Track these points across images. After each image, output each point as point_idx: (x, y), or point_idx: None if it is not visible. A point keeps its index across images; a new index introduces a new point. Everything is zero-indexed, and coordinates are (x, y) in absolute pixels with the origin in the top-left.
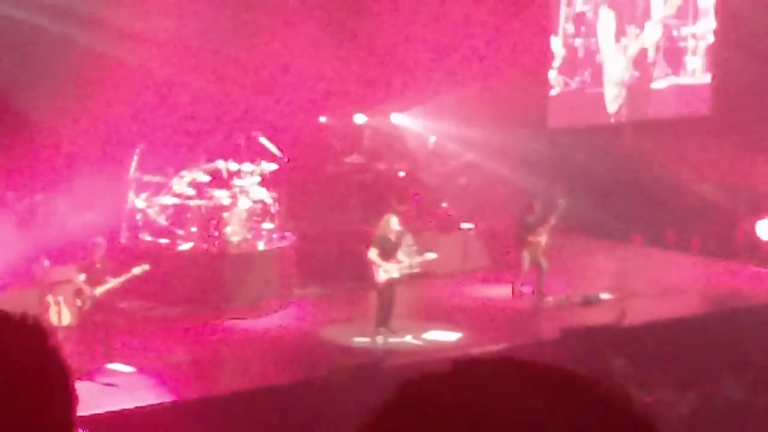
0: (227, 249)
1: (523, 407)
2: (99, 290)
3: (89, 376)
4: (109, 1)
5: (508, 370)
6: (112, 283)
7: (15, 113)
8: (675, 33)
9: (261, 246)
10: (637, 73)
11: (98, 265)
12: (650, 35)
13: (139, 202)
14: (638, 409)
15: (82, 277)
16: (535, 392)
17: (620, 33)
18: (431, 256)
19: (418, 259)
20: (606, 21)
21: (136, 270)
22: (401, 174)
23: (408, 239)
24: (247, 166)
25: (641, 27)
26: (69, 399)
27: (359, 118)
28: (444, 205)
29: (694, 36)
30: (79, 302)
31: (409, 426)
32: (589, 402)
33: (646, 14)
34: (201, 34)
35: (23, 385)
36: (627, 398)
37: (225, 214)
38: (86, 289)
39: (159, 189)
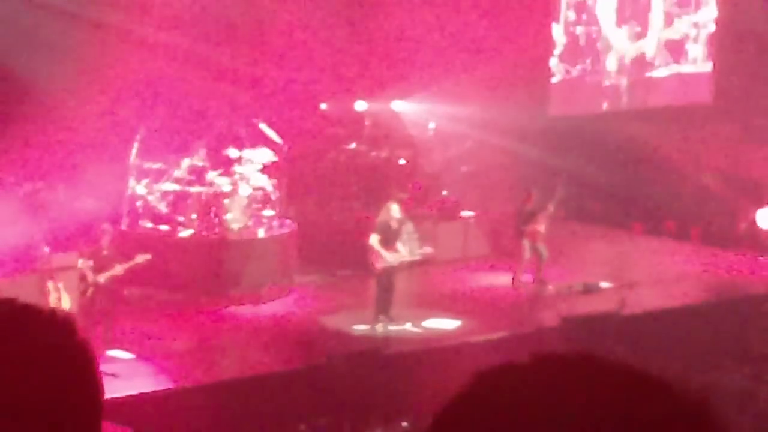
0: (228, 236)
1: (598, 406)
2: (103, 277)
3: None
4: None
5: (586, 367)
6: (116, 270)
7: (16, 100)
8: (676, 21)
9: (261, 233)
10: (639, 61)
11: (105, 252)
12: (652, 23)
13: (140, 188)
14: (713, 418)
15: (88, 263)
16: (611, 392)
17: (622, 20)
18: (428, 250)
19: (416, 252)
20: (607, 8)
21: (139, 259)
22: (402, 161)
23: (409, 227)
24: (247, 153)
25: (644, 14)
26: (97, 392)
27: (360, 106)
28: (445, 192)
29: (695, 24)
30: (82, 288)
31: (482, 417)
32: (665, 408)
33: (648, 2)
34: (203, 21)
35: (52, 380)
36: (704, 408)
37: (225, 201)
38: (90, 275)
39: (159, 176)
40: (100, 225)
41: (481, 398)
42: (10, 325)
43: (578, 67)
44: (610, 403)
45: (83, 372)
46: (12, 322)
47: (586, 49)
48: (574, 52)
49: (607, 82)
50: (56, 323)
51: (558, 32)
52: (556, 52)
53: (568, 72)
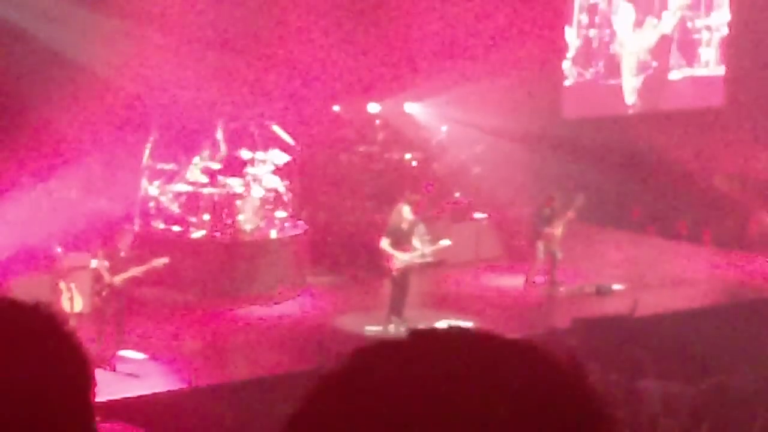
0: (240, 237)
1: (474, 378)
2: (118, 278)
3: (101, 363)
4: None
5: (464, 340)
6: (132, 271)
7: (28, 100)
8: (689, 24)
9: (274, 234)
10: (653, 65)
11: (122, 254)
12: (666, 26)
13: (152, 189)
14: (592, 386)
15: (104, 263)
16: (489, 363)
17: (637, 23)
18: (446, 243)
19: (432, 247)
20: (623, 11)
21: (156, 262)
22: (414, 163)
23: (421, 229)
24: (260, 155)
25: (658, 17)
26: (86, 384)
27: (373, 108)
28: (457, 194)
29: (708, 28)
30: (97, 288)
31: (357, 393)
32: (542, 375)
33: (663, 5)
34: (216, 22)
35: (38, 373)
36: (582, 374)
37: (238, 202)
38: (106, 276)
39: (172, 177)
40: (120, 226)
41: (354, 375)
42: None
43: (591, 70)
44: (482, 374)
45: (69, 362)
46: None
47: (599, 52)
48: (587, 55)
49: (619, 85)
50: (41, 317)
51: (571, 35)
52: (569, 55)
53: (581, 75)
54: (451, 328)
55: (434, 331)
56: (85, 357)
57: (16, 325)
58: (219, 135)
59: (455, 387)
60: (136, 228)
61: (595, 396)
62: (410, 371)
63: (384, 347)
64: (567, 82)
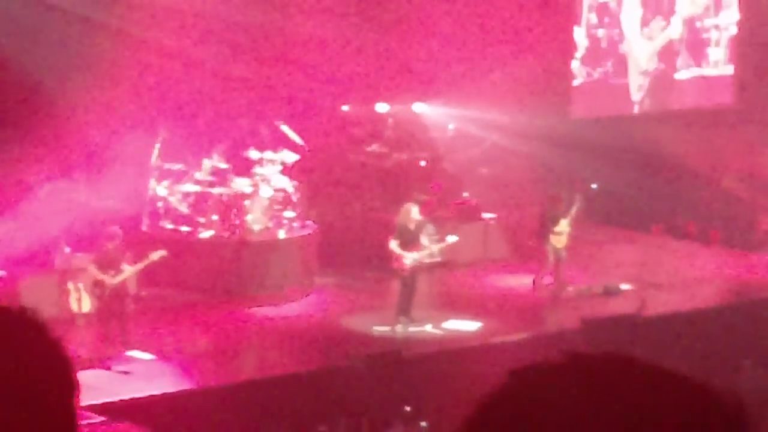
0: (248, 237)
1: (631, 406)
2: (118, 278)
3: (109, 363)
4: None
5: (617, 366)
6: (131, 270)
7: (37, 100)
8: (698, 24)
9: (282, 234)
10: (662, 64)
11: (113, 254)
12: (675, 26)
13: (161, 189)
14: (745, 416)
15: (95, 266)
16: (643, 391)
17: (645, 23)
18: (453, 238)
19: (440, 244)
20: (631, 11)
21: (154, 256)
22: (422, 163)
23: (429, 228)
24: (268, 155)
25: (667, 18)
26: (69, 390)
27: (381, 107)
28: (465, 194)
29: (717, 27)
30: (99, 290)
31: (515, 416)
32: (702, 411)
33: (672, 5)
34: (225, 22)
35: (21, 377)
36: (741, 413)
37: (246, 202)
38: (106, 277)
39: (180, 177)
40: (110, 227)
41: (514, 397)
42: None
43: (600, 69)
44: (642, 402)
45: (53, 369)
46: None
47: (608, 51)
48: (595, 54)
49: (628, 85)
50: (25, 322)
51: (580, 35)
52: (578, 54)
53: (589, 75)
54: (605, 353)
55: (588, 355)
56: (69, 362)
57: (1, 330)
58: (227, 135)
59: (613, 415)
60: (145, 228)
61: None
62: (568, 396)
63: (539, 370)
64: (576, 82)
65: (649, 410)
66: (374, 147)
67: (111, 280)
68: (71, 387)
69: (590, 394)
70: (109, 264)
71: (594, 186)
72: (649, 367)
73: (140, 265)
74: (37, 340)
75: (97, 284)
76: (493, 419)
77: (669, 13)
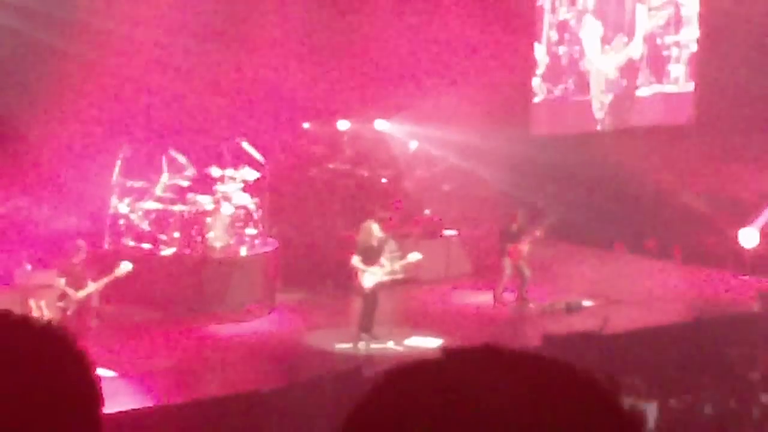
0: (210, 254)
1: (509, 396)
2: (81, 293)
3: None
4: (95, 7)
5: (494, 358)
6: (95, 285)
7: None
8: (659, 41)
9: (243, 251)
10: (623, 81)
11: (79, 268)
12: (636, 43)
13: (122, 207)
14: (621, 403)
15: (64, 280)
16: (521, 381)
17: (606, 40)
18: (416, 256)
19: (403, 261)
20: (592, 28)
21: (119, 271)
22: (384, 180)
23: (391, 245)
24: (230, 172)
25: (628, 35)
26: (95, 402)
27: (342, 124)
28: (427, 211)
29: (677, 44)
30: (62, 305)
31: (394, 412)
32: (577, 393)
33: (632, 22)
34: (185, 41)
35: (48, 390)
36: (615, 391)
37: (208, 220)
38: (69, 292)
39: (142, 194)
40: (75, 242)
41: (392, 395)
42: (7, 336)
43: (561, 86)
44: (517, 393)
45: (80, 382)
46: (8, 334)
47: (569, 68)
48: (556, 71)
49: (589, 102)
50: (52, 335)
51: (540, 52)
52: (539, 71)
53: (550, 92)
54: (483, 347)
55: (466, 350)
56: (95, 375)
57: (28, 343)
58: (188, 152)
59: (488, 406)
60: (107, 245)
61: (632, 417)
62: (443, 391)
63: (416, 368)
64: (536, 99)
65: (525, 399)
66: (335, 164)
67: (75, 294)
68: (96, 399)
69: (466, 388)
70: (74, 278)
71: (550, 216)
72: (523, 356)
73: (106, 280)
74: (64, 353)
75: (62, 297)
76: (366, 421)
77: (630, 30)
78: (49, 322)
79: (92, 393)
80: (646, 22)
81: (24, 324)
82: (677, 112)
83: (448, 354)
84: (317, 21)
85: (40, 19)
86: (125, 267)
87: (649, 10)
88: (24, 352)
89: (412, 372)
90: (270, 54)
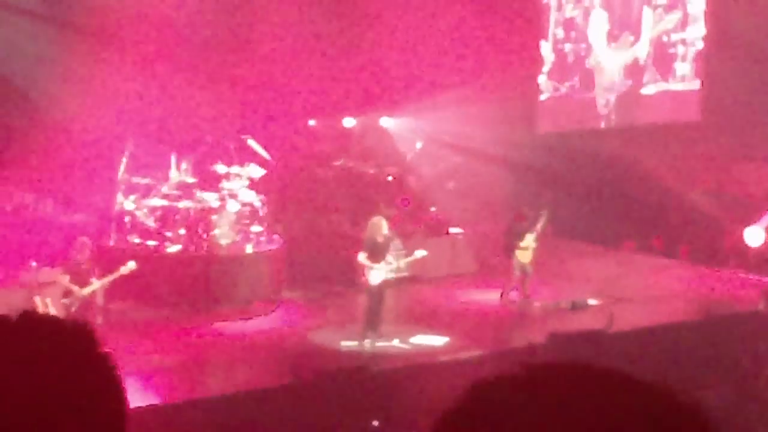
0: (215, 251)
1: (594, 414)
2: (86, 291)
3: None
4: (101, 4)
5: (579, 376)
6: (100, 283)
7: (3, 116)
8: (665, 39)
9: (249, 249)
10: (629, 79)
11: (84, 265)
12: (642, 41)
13: (128, 203)
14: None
15: (68, 277)
16: (606, 399)
17: (612, 38)
18: (421, 253)
19: (409, 258)
20: (598, 26)
21: (124, 269)
22: (390, 178)
23: (396, 243)
24: (235, 169)
25: (634, 33)
26: (120, 403)
27: (348, 122)
28: (433, 209)
29: (683, 42)
30: (66, 302)
31: (478, 429)
32: (664, 415)
33: (638, 20)
34: (191, 37)
35: (74, 391)
36: (698, 412)
37: (213, 217)
38: (74, 289)
39: (148, 191)
40: (81, 239)
41: (476, 410)
42: (34, 336)
43: (567, 84)
44: (606, 410)
45: (106, 383)
46: (34, 334)
47: (575, 66)
48: (562, 69)
49: (594, 99)
50: (77, 334)
51: (546, 49)
52: (545, 69)
53: (556, 89)
54: (566, 364)
55: (550, 366)
56: (119, 376)
57: (54, 343)
58: (194, 149)
59: (577, 424)
60: (112, 242)
61: None
62: (530, 408)
63: (501, 383)
64: (542, 97)
65: (613, 419)
66: (341, 161)
67: (80, 291)
68: (121, 400)
69: (550, 405)
70: (78, 275)
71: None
72: (608, 375)
73: (110, 278)
74: (89, 353)
75: (66, 294)
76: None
77: (636, 28)
78: (75, 321)
79: (117, 393)
80: (652, 19)
81: (51, 323)
82: (683, 109)
83: (533, 370)
84: (323, 18)
85: (45, 15)
86: (130, 265)
87: (655, 8)
88: (52, 351)
89: (499, 389)
90: (276, 50)
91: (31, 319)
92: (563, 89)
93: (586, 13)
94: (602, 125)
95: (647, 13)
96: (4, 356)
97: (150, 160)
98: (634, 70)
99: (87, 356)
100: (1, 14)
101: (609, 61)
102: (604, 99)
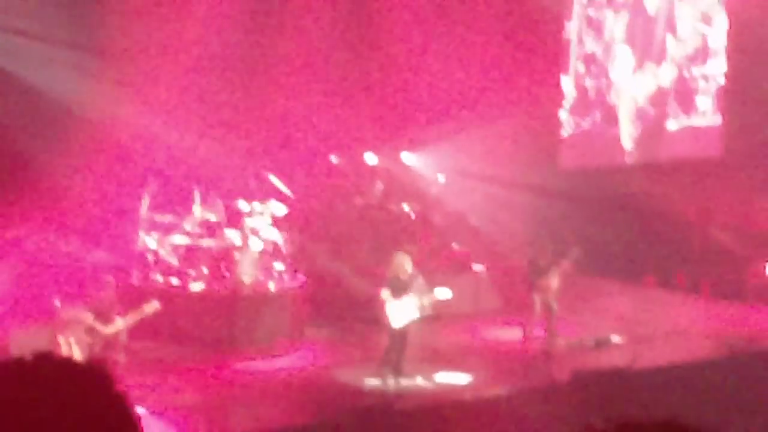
0: (239, 290)
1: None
2: (109, 329)
3: None
4: (121, 37)
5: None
6: (123, 321)
7: (27, 153)
8: (686, 73)
9: (272, 287)
10: (652, 112)
11: (107, 304)
12: (666, 72)
13: (151, 241)
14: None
15: (90, 316)
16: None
17: (636, 69)
18: (446, 293)
19: (432, 297)
20: (622, 57)
21: (147, 308)
22: (412, 214)
23: (420, 280)
24: (258, 206)
25: (658, 63)
26: None
27: (370, 158)
28: (455, 245)
29: (705, 77)
30: (90, 341)
31: None
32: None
33: (662, 50)
34: (213, 73)
35: (91, 430)
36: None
37: (236, 255)
38: (98, 327)
39: (170, 229)
40: (104, 278)
41: None
42: (50, 378)
43: (588, 119)
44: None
45: (122, 422)
46: (52, 375)
47: (596, 101)
48: (584, 104)
49: (617, 135)
50: (94, 376)
51: (568, 85)
52: (566, 104)
53: (578, 125)
54: (659, 421)
55: (638, 424)
56: (135, 415)
57: (71, 383)
58: (216, 187)
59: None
60: (135, 281)
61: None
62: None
63: None
64: (564, 132)
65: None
66: (363, 198)
67: (104, 329)
68: None
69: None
70: (102, 313)
71: (577, 251)
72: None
73: (134, 317)
74: (106, 394)
75: (90, 332)
76: None
77: (660, 58)
78: (91, 362)
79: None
80: (676, 51)
81: (67, 365)
82: (705, 145)
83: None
84: (344, 54)
85: (67, 51)
86: (153, 305)
87: (677, 40)
88: (68, 393)
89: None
90: (297, 87)
91: (46, 361)
92: (585, 125)
93: (607, 48)
94: (625, 161)
95: (670, 39)
96: (20, 398)
97: (173, 197)
98: (657, 102)
99: (102, 397)
100: (28, 46)
101: (632, 91)
102: (627, 134)
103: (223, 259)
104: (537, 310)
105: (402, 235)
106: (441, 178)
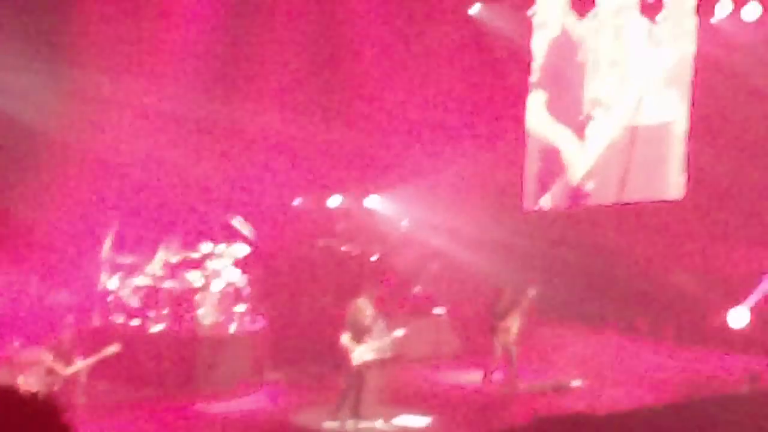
0: (199, 331)
1: None
2: (69, 370)
3: None
4: (85, 78)
5: None
6: (83, 363)
7: None
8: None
9: (233, 329)
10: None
11: (67, 344)
12: (623, 117)
13: (112, 283)
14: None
15: (50, 357)
16: None
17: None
18: (400, 332)
19: (389, 338)
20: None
21: (108, 351)
22: (374, 257)
23: (380, 323)
24: (220, 248)
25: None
26: None
27: (333, 201)
28: (416, 289)
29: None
30: (49, 382)
31: None
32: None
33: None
34: (176, 114)
35: None
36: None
37: (197, 296)
38: (58, 368)
39: (132, 270)
40: (65, 318)
41: None
42: None
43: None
44: None
45: None
46: None
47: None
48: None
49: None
50: (38, 406)
51: None
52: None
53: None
54: None
55: None
56: None
57: (15, 413)
58: (178, 228)
59: None
60: (96, 322)
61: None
62: None
63: None
64: (528, 174)
65: None
66: (325, 240)
67: (64, 370)
68: None
69: None
70: (62, 354)
71: (533, 292)
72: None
73: (93, 359)
74: (50, 424)
75: (49, 373)
76: None
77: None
78: (36, 393)
79: None
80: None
81: (11, 395)
82: (667, 189)
83: None
84: (309, 96)
85: (29, 91)
86: (113, 348)
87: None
88: (11, 423)
89: None
90: (261, 129)
91: None
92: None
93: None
94: (586, 203)
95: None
96: None
97: (135, 239)
98: (619, 148)
99: (48, 426)
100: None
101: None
102: (588, 176)
103: (184, 300)
104: (497, 353)
105: (364, 279)
106: (404, 222)
